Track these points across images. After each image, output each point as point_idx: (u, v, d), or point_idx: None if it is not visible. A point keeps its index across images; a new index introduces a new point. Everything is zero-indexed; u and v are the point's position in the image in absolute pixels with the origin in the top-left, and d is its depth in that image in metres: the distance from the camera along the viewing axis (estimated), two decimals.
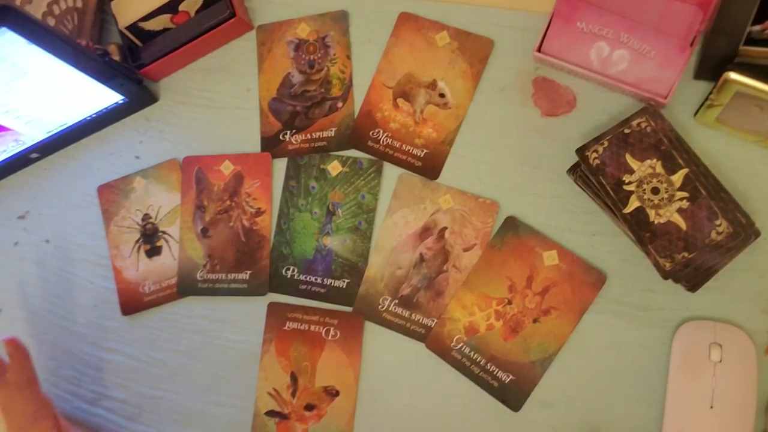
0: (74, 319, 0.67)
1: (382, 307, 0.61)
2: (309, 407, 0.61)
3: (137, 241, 0.67)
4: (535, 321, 0.58)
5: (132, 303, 0.66)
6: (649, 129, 0.55)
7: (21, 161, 0.70)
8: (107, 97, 0.66)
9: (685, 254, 0.52)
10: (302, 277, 0.63)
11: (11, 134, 0.65)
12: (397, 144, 0.63)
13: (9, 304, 0.70)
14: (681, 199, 0.53)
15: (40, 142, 0.68)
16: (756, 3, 0.52)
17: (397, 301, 0.61)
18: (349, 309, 0.62)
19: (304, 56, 0.67)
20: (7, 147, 0.67)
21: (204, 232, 0.66)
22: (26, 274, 0.70)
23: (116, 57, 0.65)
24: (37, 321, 0.68)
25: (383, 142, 0.64)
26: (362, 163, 0.64)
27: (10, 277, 0.70)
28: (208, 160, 0.67)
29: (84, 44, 0.61)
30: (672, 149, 0.55)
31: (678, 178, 0.54)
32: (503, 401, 0.58)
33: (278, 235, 0.65)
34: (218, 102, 0.68)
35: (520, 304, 0.58)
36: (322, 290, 0.63)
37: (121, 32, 0.68)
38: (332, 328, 0.62)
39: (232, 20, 0.65)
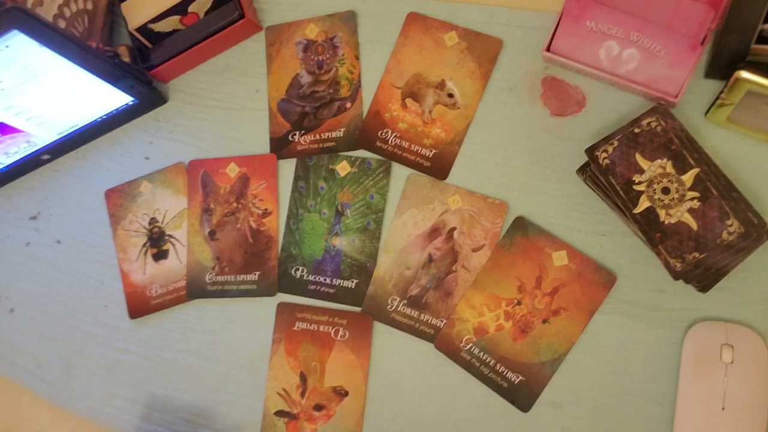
0: (85, 319, 0.68)
1: (391, 308, 0.61)
2: (318, 407, 0.61)
3: (144, 245, 0.68)
4: (544, 321, 0.58)
5: (139, 306, 0.66)
6: (659, 128, 0.55)
7: (33, 162, 0.71)
8: (117, 98, 0.66)
9: (696, 254, 0.52)
10: (311, 278, 0.63)
11: (23, 136, 0.66)
12: (405, 144, 0.63)
13: (21, 303, 0.70)
14: (692, 199, 0.53)
15: (51, 143, 0.69)
16: None
17: (405, 301, 0.61)
18: (357, 309, 0.62)
19: (312, 57, 0.67)
20: (19, 148, 0.68)
21: (212, 234, 0.66)
22: (38, 274, 0.70)
23: (126, 59, 0.66)
24: (48, 321, 0.69)
25: (392, 142, 0.64)
26: (371, 164, 0.64)
27: (22, 277, 0.71)
28: (214, 163, 0.67)
29: (94, 46, 0.62)
30: (682, 149, 0.54)
31: (689, 177, 0.54)
32: (512, 402, 0.58)
33: (287, 236, 0.65)
34: (227, 103, 0.69)
35: (530, 304, 0.58)
36: (331, 290, 0.63)
37: (130, 34, 0.68)
38: (341, 329, 0.62)
39: (241, 21, 0.65)
